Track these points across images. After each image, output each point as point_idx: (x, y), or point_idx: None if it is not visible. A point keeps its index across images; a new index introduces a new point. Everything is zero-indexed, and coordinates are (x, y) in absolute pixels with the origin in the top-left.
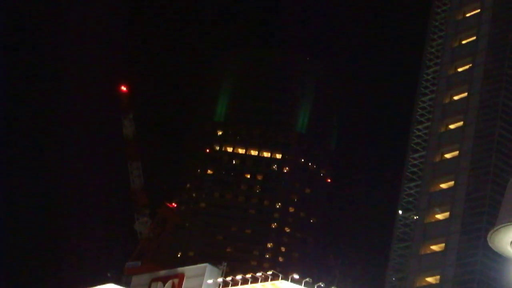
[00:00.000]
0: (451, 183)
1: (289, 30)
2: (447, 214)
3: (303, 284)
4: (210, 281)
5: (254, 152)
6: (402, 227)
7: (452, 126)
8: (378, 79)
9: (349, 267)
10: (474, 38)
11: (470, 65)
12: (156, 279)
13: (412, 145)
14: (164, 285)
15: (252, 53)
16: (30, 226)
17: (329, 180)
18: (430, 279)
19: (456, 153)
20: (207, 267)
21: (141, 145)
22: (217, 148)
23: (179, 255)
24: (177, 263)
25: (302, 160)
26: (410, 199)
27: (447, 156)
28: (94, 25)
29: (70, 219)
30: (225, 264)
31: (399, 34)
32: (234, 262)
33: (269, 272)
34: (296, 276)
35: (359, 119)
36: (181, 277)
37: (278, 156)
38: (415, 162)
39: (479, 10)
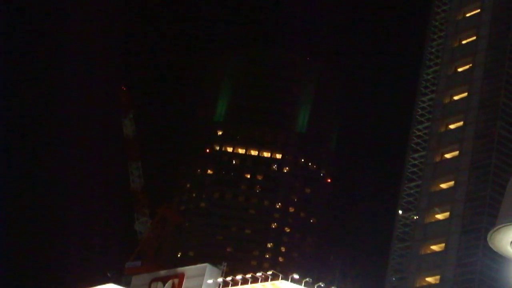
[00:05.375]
0: (451, 183)
1: (289, 30)
2: (447, 214)
3: (303, 284)
4: (210, 281)
5: (254, 152)
6: (402, 227)
7: (452, 126)
8: (378, 79)
9: (349, 267)
10: (474, 38)
11: (470, 65)
12: (156, 279)
13: (412, 145)
14: (164, 285)
15: (252, 53)
16: (30, 226)
17: (329, 180)
18: (430, 279)
19: (456, 153)
20: (207, 267)
21: (141, 145)
22: (217, 148)
23: (179, 255)
24: (177, 263)
25: (302, 160)
26: (410, 199)
27: (447, 156)
28: (94, 25)
29: (70, 219)
30: (225, 264)
31: (399, 34)
32: (234, 262)
33: (269, 272)
34: (296, 276)
35: (359, 119)
36: (181, 277)
37: (278, 156)
38: (415, 162)
39: (479, 10)
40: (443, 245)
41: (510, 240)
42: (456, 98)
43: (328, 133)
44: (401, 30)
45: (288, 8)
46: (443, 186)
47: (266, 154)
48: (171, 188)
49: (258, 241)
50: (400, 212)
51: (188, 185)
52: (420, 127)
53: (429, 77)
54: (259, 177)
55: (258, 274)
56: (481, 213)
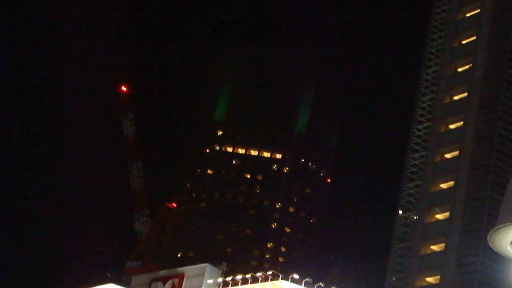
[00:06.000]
0: (451, 183)
1: (289, 30)
2: (447, 214)
3: (303, 284)
4: (210, 281)
5: (254, 152)
6: (402, 227)
7: (452, 126)
8: (378, 79)
9: (349, 267)
10: (474, 38)
11: (470, 65)
12: (156, 279)
13: (412, 145)
14: (164, 285)
15: (252, 53)
16: (31, 226)
17: (329, 180)
18: (430, 279)
19: (456, 153)
20: (207, 267)
21: (141, 145)
22: (217, 148)
23: (179, 255)
24: (177, 263)
25: (302, 160)
26: (410, 199)
27: (447, 156)
28: (94, 25)
29: (70, 219)
30: (225, 264)
31: (399, 34)
32: (234, 262)
33: (269, 272)
34: (296, 276)
35: (359, 119)
36: (181, 277)
37: (278, 156)
38: (415, 162)
39: (479, 10)
40: (443, 245)
41: (510, 240)
42: (456, 98)
43: (328, 133)
44: (401, 30)
45: (288, 9)
46: (443, 186)
47: (266, 154)
48: (171, 188)
49: (258, 241)
50: (400, 212)
51: (188, 185)
52: (420, 127)
53: (429, 77)
54: (259, 177)
55: (258, 274)
56: (481, 213)
